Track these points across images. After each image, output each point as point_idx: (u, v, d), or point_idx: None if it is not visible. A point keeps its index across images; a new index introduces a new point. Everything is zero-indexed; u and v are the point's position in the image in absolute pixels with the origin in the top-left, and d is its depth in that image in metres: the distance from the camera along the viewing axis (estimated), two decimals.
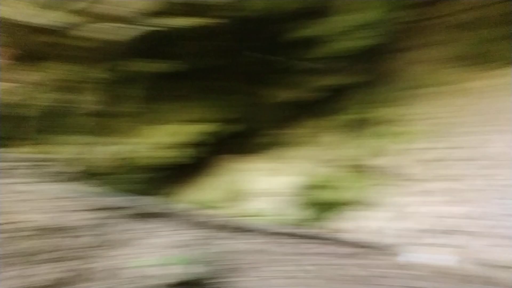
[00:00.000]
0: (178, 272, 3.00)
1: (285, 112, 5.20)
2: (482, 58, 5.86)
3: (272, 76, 5.01)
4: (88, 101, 4.36)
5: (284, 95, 5.03)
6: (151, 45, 4.21)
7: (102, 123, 4.47)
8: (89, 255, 3.03)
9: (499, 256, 3.12)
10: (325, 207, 4.19)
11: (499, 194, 3.73)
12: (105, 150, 4.43)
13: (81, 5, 3.93)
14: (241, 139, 5.12)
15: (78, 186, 3.67)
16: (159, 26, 3.99)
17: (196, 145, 4.63)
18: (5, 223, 2.89)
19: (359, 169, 4.58)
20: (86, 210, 3.34)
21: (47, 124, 4.25)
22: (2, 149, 3.85)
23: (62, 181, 3.68)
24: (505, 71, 5.64)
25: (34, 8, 3.86)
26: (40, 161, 3.81)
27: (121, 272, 2.98)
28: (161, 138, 4.62)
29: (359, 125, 5.21)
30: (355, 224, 3.96)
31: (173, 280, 2.94)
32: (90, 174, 4.13)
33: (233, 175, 4.99)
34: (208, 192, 4.83)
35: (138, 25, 3.99)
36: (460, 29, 5.92)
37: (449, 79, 5.75)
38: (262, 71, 4.87)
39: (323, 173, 4.60)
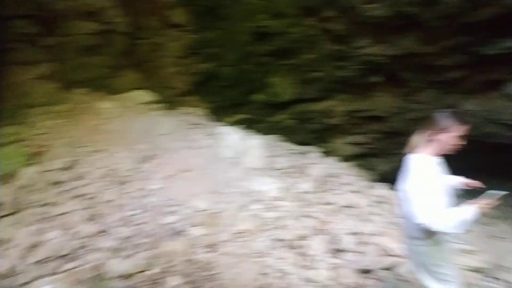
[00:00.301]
0: None
1: None
2: (107, 82, 6.14)
3: None
4: None
5: None
6: None
7: None
8: None
9: (116, 267, 3.12)
10: None
11: (130, 206, 3.84)
12: None
13: None
14: None
15: None
16: None
17: None
18: None
19: None
20: None
21: None
22: None
23: None
24: (126, 96, 6.23)
25: None
26: None
27: None
28: None
29: None
30: None
31: None
32: None
33: None
34: None
35: None
36: (86, 52, 5.90)
37: (75, 99, 5.61)
38: None
39: None
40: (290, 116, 6.38)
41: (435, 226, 1.99)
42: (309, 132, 6.67)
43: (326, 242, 3.80)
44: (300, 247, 3.58)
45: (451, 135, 2.18)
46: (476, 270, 3.84)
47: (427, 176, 2.09)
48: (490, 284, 3.70)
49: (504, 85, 5.69)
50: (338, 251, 3.78)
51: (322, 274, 3.30)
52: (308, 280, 3.23)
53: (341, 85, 5.83)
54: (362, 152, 6.69)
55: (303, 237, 3.69)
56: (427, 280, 2.34)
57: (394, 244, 3.95)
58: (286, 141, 6.08)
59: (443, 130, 2.18)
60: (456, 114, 2.24)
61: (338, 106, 6.14)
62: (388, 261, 3.71)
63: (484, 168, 6.57)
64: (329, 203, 4.49)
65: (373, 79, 5.53)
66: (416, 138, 2.32)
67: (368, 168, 6.81)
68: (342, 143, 6.63)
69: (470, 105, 5.98)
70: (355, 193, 4.91)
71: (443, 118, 2.21)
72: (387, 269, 3.66)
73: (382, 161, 6.89)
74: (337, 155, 6.51)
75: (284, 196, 4.24)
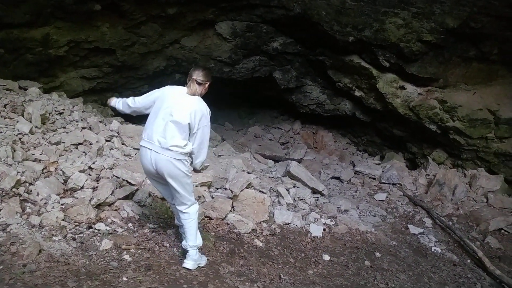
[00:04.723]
0: None
1: None
2: None
3: None
4: None
5: None
6: None
7: None
8: None
9: None
10: None
11: None
12: None
13: None
14: None
15: None
16: None
17: None
18: None
19: None
20: None
21: None
22: None
23: None
24: None
25: None
26: None
27: None
28: None
29: None
30: None
31: None
32: None
33: None
34: None
35: None
36: None
37: None
38: None
39: None
40: None
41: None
42: (26, 65, 5.64)
43: (55, 184, 3.52)
44: (22, 194, 3.16)
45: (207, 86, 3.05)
46: (204, 185, 4.59)
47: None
48: (215, 193, 4.54)
49: (217, 24, 6.58)
50: (70, 190, 3.59)
51: (53, 217, 3.08)
52: (38, 226, 2.95)
53: (59, 10, 5.07)
54: (93, 87, 6.31)
55: (24, 183, 3.26)
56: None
57: (129, 174, 4.10)
58: None
59: (206, 83, 3.01)
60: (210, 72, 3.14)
61: (58, 35, 5.38)
62: (126, 191, 3.85)
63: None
64: (57, 143, 4.10)
65: (92, 6, 5.09)
66: (196, 86, 2.96)
67: (100, 103, 6.54)
68: (69, 77, 5.99)
69: (190, 41, 6.62)
70: (86, 130, 4.67)
71: (207, 75, 3.01)
72: (125, 198, 3.80)
73: (114, 96, 6.69)
74: (64, 90, 5.87)
75: None
